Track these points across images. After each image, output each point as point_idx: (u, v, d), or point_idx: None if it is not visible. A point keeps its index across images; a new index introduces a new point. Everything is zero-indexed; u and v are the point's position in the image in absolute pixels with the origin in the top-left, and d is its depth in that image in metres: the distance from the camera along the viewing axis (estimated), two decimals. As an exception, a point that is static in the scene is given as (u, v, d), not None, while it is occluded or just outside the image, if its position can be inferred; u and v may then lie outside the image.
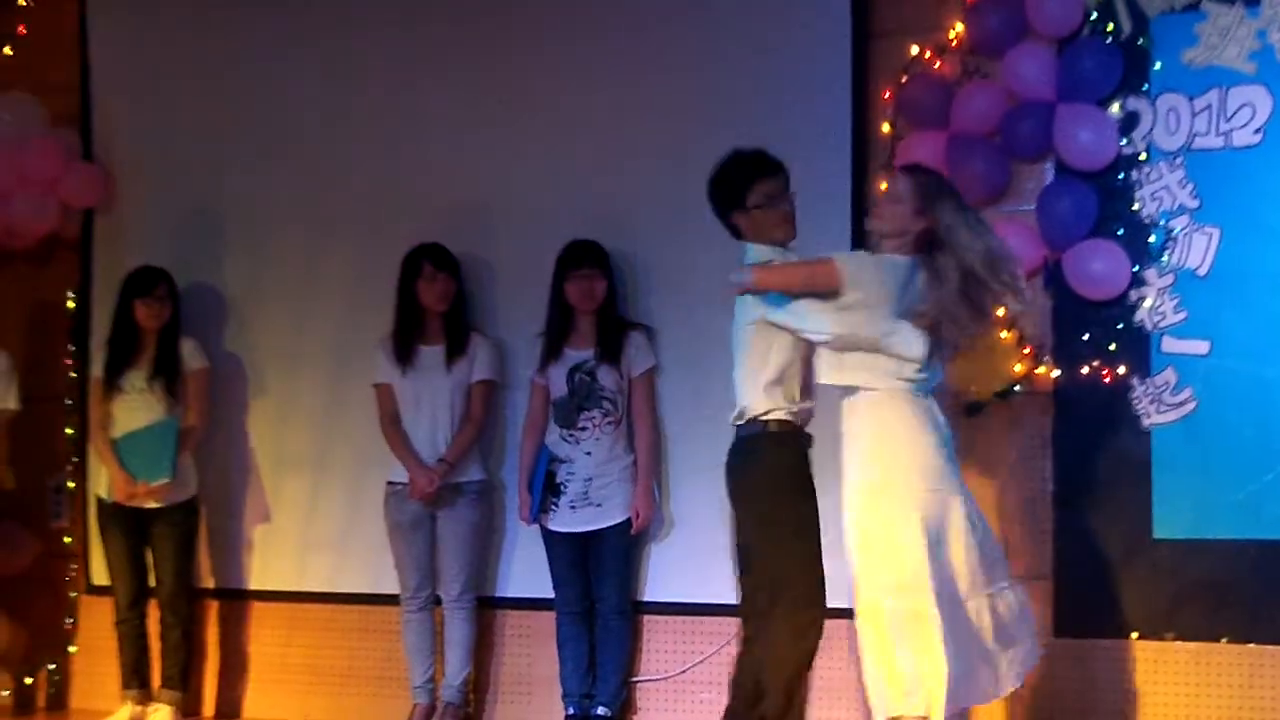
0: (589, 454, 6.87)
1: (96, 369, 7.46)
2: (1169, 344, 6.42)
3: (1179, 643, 6.34)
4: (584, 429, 6.88)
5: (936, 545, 5.43)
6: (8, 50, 8.07)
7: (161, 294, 7.39)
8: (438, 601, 7.12)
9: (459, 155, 7.40)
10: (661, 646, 7.00)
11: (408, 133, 7.44)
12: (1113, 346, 6.46)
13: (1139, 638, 6.39)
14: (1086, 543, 6.46)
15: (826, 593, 5.70)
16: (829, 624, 5.71)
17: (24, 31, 8.08)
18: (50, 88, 7.97)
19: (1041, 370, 6.55)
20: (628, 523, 6.85)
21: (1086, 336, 6.50)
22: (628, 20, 7.17)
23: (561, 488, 6.88)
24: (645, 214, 7.06)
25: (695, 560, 6.89)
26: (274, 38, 7.70)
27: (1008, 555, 6.46)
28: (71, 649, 7.93)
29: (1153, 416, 6.42)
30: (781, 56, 6.89)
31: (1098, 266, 6.42)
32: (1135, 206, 6.44)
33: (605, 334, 6.91)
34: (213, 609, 7.70)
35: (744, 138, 6.84)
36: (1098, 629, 6.45)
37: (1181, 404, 6.39)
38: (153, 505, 7.30)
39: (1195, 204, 6.39)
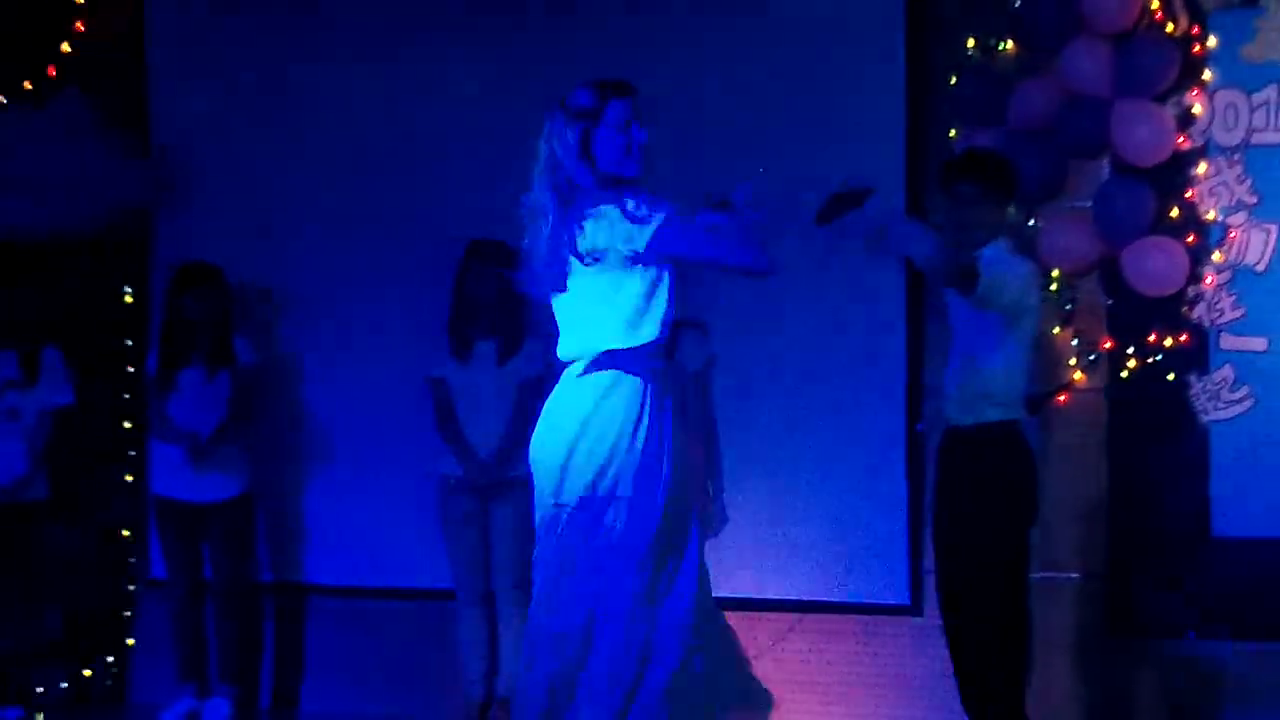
0: (643, 450, 6.86)
1: (151, 365, 7.50)
2: (1227, 341, 6.39)
3: (1237, 642, 6.32)
4: (638, 424, 6.87)
5: None
6: (66, 47, 8.10)
7: (212, 289, 7.41)
8: (493, 597, 7.16)
9: (511, 152, 7.39)
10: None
11: (465, 130, 7.43)
12: (1170, 343, 6.44)
13: (1196, 637, 6.37)
14: (1143, 541, 6.43)
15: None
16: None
17: (82, 28, 8.11)
18: (109, 84, 8.00)
19: (1098, 367, 6.53)
20: (682, 518, 6.85)
21: (1144, 333, 6.47)
22: (672, 14, 7.18)
23: (615, 483, 6.88)
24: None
25: (750, 555, 6.90)
26: (333, 33, 7.71)
27: (1066, 551, 6.47)
28: (129, 641, 7.99)
29: (1210, 413, 6.39)
30: (833, 49, 6.88)
31: (1155, 263, 6.39)
32: (1193, 203, 6.42)
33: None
34: (269, 603, 7.74)
35: (795, 130, 6.86)
36: (1154, 628, 6.44)
37: (1240, 400, 6.36)
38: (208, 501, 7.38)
39: (1253, 200, 6.36)
